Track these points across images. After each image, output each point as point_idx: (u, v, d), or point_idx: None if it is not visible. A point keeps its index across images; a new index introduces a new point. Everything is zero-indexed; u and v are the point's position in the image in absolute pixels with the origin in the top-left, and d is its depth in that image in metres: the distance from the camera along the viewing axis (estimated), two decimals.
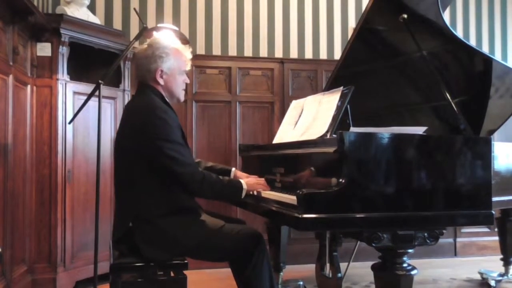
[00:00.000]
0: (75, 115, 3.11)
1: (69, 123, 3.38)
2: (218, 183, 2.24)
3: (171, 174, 2.15)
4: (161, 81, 2.30)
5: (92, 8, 4.22)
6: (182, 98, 2.44)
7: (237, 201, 2.53)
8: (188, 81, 2.45)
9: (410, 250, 2.00)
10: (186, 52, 2.40)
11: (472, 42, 5.10)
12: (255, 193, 2.46)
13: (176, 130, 2.19)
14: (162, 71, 2.29)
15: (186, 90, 4.41)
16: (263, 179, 2.49)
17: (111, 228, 3.86)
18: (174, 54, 2.32)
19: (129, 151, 2.19)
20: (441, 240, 2.10)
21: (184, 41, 3.42)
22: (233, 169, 2.71)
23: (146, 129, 2.14)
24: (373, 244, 1.93)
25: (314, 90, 4.52)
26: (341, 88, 2.44)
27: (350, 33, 4.72)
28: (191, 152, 2.36)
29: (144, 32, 3.14)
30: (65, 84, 3.61)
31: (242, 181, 2.33)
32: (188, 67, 2.41)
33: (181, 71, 2.36)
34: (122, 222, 2.22)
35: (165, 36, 2.38)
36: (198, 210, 2.34)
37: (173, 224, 2.17)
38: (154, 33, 3.24)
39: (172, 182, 2.18)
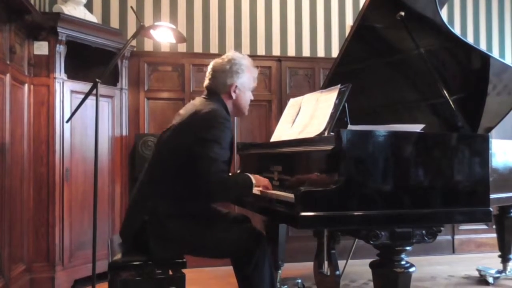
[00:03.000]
0: (72, 114, 3.11)
1: (67, 121, 3.37)
2: (235, 186, 2.27)
3: (201, 171, 2.13)
4: (234, 96, 2.40)
5: (89, 6, 4.21)
6: (246, 113, 2.54)
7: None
8: (253, 97, 2.53)
9: (408, 248, 2.00)
10: (255, 70, 2.49)
11: (470, 39, 5.09)
12: (258, 192, 2.45)
13: (227, 137, 2.24)
14: (236, 86, 2.38)
15: (183, 88, 4.48)
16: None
17: (110, 226, 3.92)
18: (248, 71, 2.43)
19: (179, 146, 2.23)
20: (439, 237, 2.10)
21: (182, 39, 3.42)
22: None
23: (204, 127, 2.19)
24: (371, 242, 1.93)
25: (312, 88, 4.53)
26: (339, 86, 2.43)
27: (347, 31, 4.72)
28: (232, 160, 2.38)
29: (141, 30, 3.14)
30: (63, 82, 3.61)
31: (250, 176, 2.35)
32: (255, 84, 2.50)
33: (250, 88, 2.47)
34: (137, 215, 2.22)
35: (241, 54, 2.51)
36: (213, 216, 2.39)
37: (183, 225, 2.19)
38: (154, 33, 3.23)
39: (198, 183, 2.16)
